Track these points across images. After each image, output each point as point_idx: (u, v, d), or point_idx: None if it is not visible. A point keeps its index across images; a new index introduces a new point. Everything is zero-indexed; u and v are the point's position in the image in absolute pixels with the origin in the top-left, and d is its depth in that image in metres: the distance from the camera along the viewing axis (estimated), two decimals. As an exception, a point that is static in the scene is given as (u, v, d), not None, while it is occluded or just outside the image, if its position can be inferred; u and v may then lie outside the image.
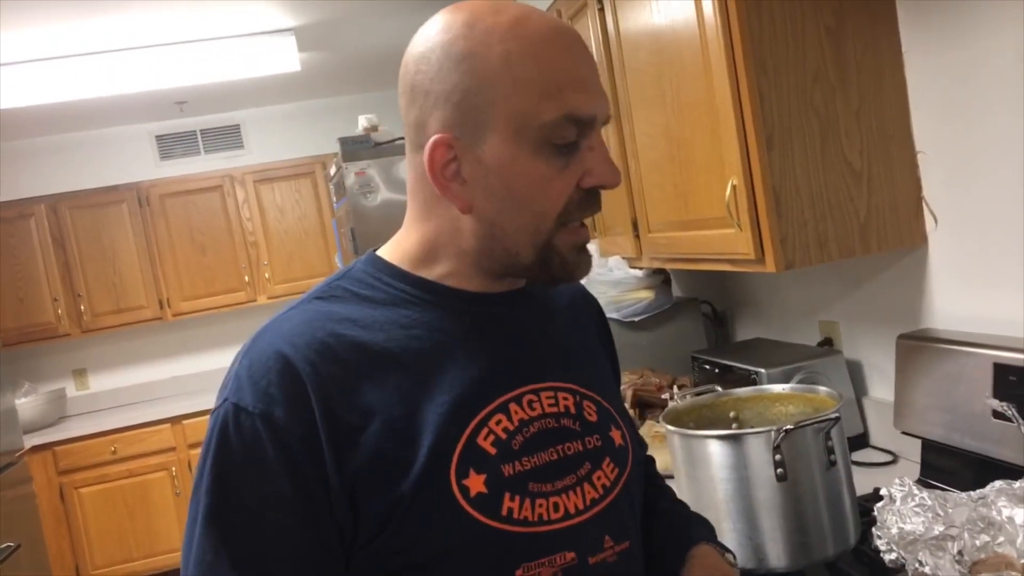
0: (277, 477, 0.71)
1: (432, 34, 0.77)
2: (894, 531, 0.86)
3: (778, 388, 1.37)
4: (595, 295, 2.30)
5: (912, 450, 1.52)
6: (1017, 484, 0.87)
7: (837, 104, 1.45)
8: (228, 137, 4.85)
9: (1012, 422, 1.14)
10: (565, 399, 0.83)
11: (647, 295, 2.21)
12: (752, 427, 1.36)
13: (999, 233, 1.35)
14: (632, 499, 0.88)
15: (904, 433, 1.49)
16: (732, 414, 1.40)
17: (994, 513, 0.85)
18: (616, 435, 0.87)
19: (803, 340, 1.95)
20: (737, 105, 1.42)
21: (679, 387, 2.05)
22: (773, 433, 1.15)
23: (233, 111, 4.81)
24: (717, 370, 1.90)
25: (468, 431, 0.76)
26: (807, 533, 1.17)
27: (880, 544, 0.87)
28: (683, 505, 1.05)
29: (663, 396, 2.08)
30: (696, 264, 1.78)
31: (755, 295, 2.21)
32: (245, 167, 4.70)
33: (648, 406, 2.10)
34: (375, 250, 0.86)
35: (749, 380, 1.74)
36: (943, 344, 1.40)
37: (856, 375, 1.77)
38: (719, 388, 1.42)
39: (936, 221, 1.47)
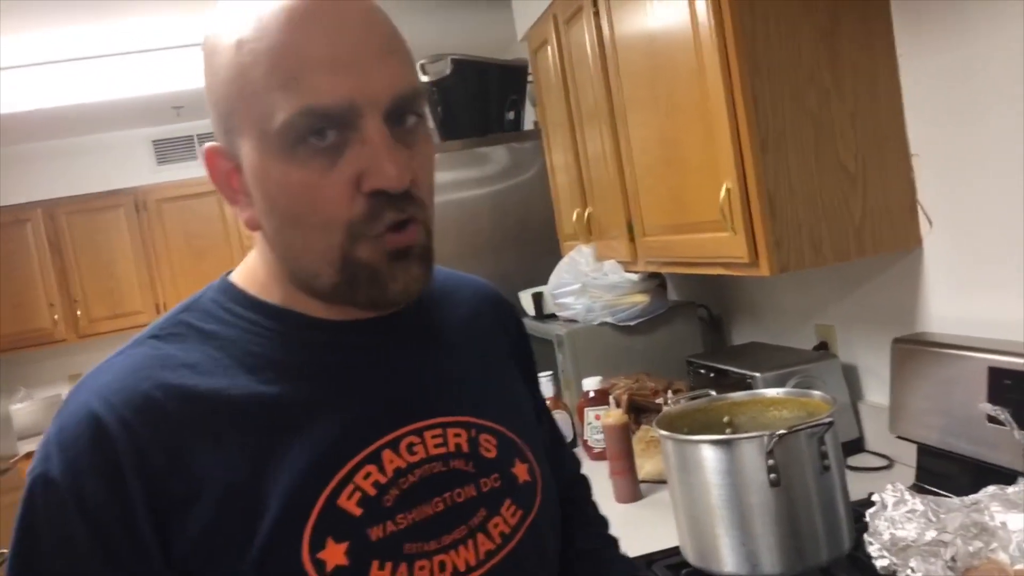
0: (90, 562, 0.60)
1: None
2: (886, 537, 0.85)
3: (772, 392, 1.36)
4: (590, 299, 2.30)
5: (908, 454, 1.51)
6: (1010, 489, 0.86)
7: (832, 106, 1.44)
8: (225, 142, 4.85)
9: (1006, 426, 1.13)
10: (456, 436, 0.72)
11: (642, 299, 2.20)
12: (746, 432, 1.35)
13: (994, 235, 1.34)
14: (541, 541, 0.77)
15: (900, 438, 1.48)
16: (726, 419, 1.39)
17: (987, 519, 0.84)
18: (521, 470, 0.76)
19: (799, 344, 1.94)
20: (731, 107, 1.42)
21: (674, 391, 2.04)
22: (766, 438, 1.14)
23: (230, 116, 4.80)
24: (713, 374, 1.89)
25: (327, 492, 0.64)
26: (801, 538, 1.16)
27: (872, 550, 0.86)
28: (607, 543, 0.95)
29: (658, 401, 2.06)
30: (691, 268, 1.77)
31: (751, 299, 2.20)
32: (242, 172, 4.70)
33: (643, 411, 2.08)
34: (229, 272, 0.74)
35: (744, 384, 1.73)
36: (938, 348, 1.39)
37: (852, 379, 1.76)
38: (713, 393, 1.41)
39: (931, 224, 1.47)
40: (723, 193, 1.45)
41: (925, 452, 1.45)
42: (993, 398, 1.24)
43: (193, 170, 4.76)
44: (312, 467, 0.64)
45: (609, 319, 2.21)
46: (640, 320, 2.21)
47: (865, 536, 0.88)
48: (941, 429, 1.37)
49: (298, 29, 0.60)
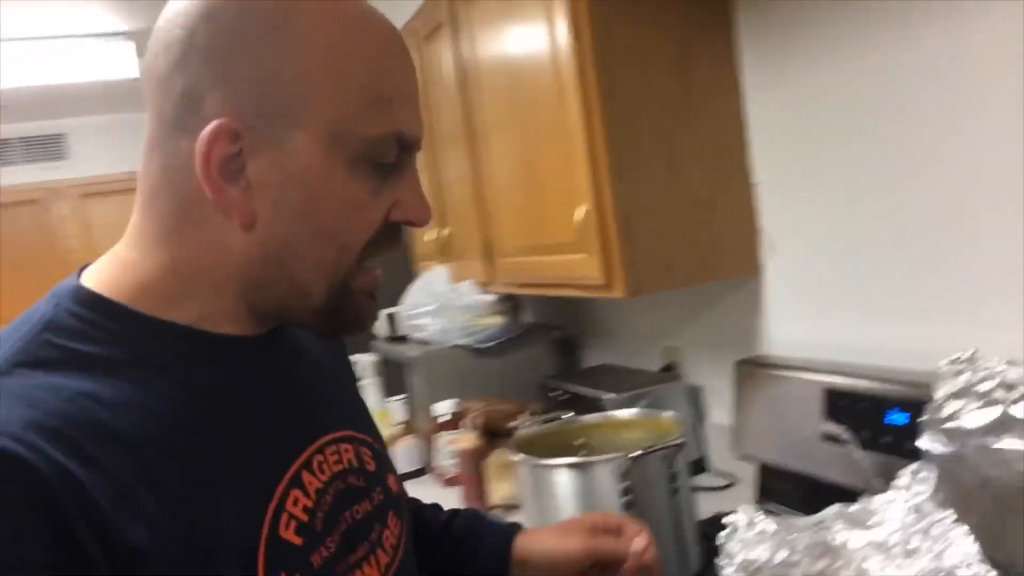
0: None
1: None
2: (738, 560, 0.86)
3: (624, 414, 1.37)
4: (447, 320, 2.26)
5: (751, 474, 1.56)
6: (852, 508, 0.89)
7: (684, 132, 1.48)
8: (51, 147, 4.48)
9: (841, 445, 1.18)
10: (346, 451, 0.70)
11: (498, 321, 2.19)
12: (600, 454, 1.35)
13: (831, 262, 1.41)
14: (411, 548, 0.77)
15: (742, 457, 1.53)
16: (579, 441, 1.39)
17: (830, 538, 0.86)
18: (391, 480, 0.76)
19: (648, 365, 1.98)
20: (588, 131, 1.43)
21: (529, 414, 2.03)
22: (620, 461, 1.14)
23: (58, 118, 4.45)
24: (566, 396, 1.90)
25: (267, 525, 0.59)
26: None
27: (726, 574, 0.86)
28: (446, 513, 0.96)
29: (512, 424, 2.05)
30: (548, 289, 1.77)
31: (603, 321, 2.24)
32: (70, 180, 4.35)
33: (497, 434, 2.06)
34: (78, 277, 0.62)
35: (596, 406, 1.74)
36: (777, 370, 1.45)
37: (697, 400, 1.81)
38: (567, 415, 1.41)
39: (772, 250, 1.53)
40: (580, 215, 1.46)
41: (766, 471, 1.51)
42: (829, 418, 1.30)
43: (13, 176, 4.36)
44: (248, 501, 0.59)
45: (465, 340, 2.18)
46: (495, 342, 2.19)
47: (718, 560, 0.89)
48: (781, 449, 1.43)
49: (390, 54, 0.61)
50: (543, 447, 1.35)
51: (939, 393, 0.95)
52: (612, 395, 1.72)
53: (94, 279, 0.61)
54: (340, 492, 0.66)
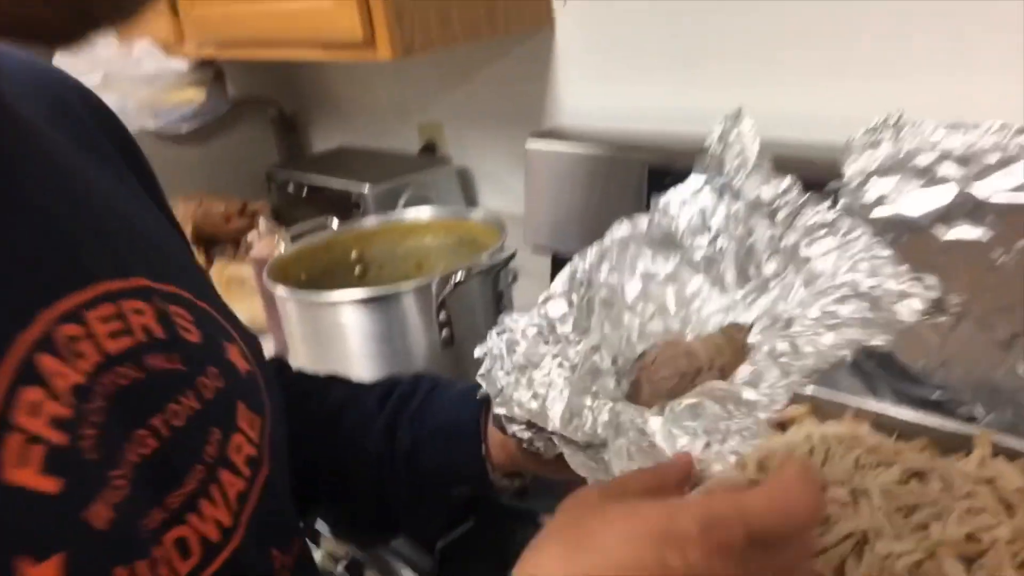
0: None
1: None
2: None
3: (416, 215, 1.06)
4: (120, 97, 1.70)
5: (539, 267, 1.35)
6: (639, 221, 0.62)
7: None
8: None
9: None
10: (137, 312, 0.42)
11: (196, 95, 1.68)
12: (383, 272, 1.04)
13: (643, 12, 1.14)
14: (284, 457, 0.51)
15: (536, 250, 1.30)
16: (354, 254, 1.06)
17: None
18: (234, 354, 0.49)
19: (399, 147, 1.65)
20: None
21: (250, 215, 1.63)
22: (435, 286, 0.84)
23: None
24: (305, 191, 1.52)
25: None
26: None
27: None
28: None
29: (231, 226, 1.65)
30: (270, 51, 1.32)
31: (333, 92, 1.82)
32: None
33: (214, 241, 1.65)
34: None
35: (350, 202, 1.40)
36: (581, 145, 1.20)
37: (467, 186, 1.53)
38: (336, 222, 1.06)
39: (566, -3, 1.23)
40: (323, -62, 1.02)
41: (559, 264, 1.30)
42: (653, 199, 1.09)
43: None
44: None
45: (150, 124, 1.66)
46: (194, 124, 1.70)
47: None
48: (585, 238, 1.22)
49: None
50: (307, 269, 1.00)
51: (851, 170, 0.76)
52: (368, 186, 1.38)
53: None
54: (130, 386, 0.39)
